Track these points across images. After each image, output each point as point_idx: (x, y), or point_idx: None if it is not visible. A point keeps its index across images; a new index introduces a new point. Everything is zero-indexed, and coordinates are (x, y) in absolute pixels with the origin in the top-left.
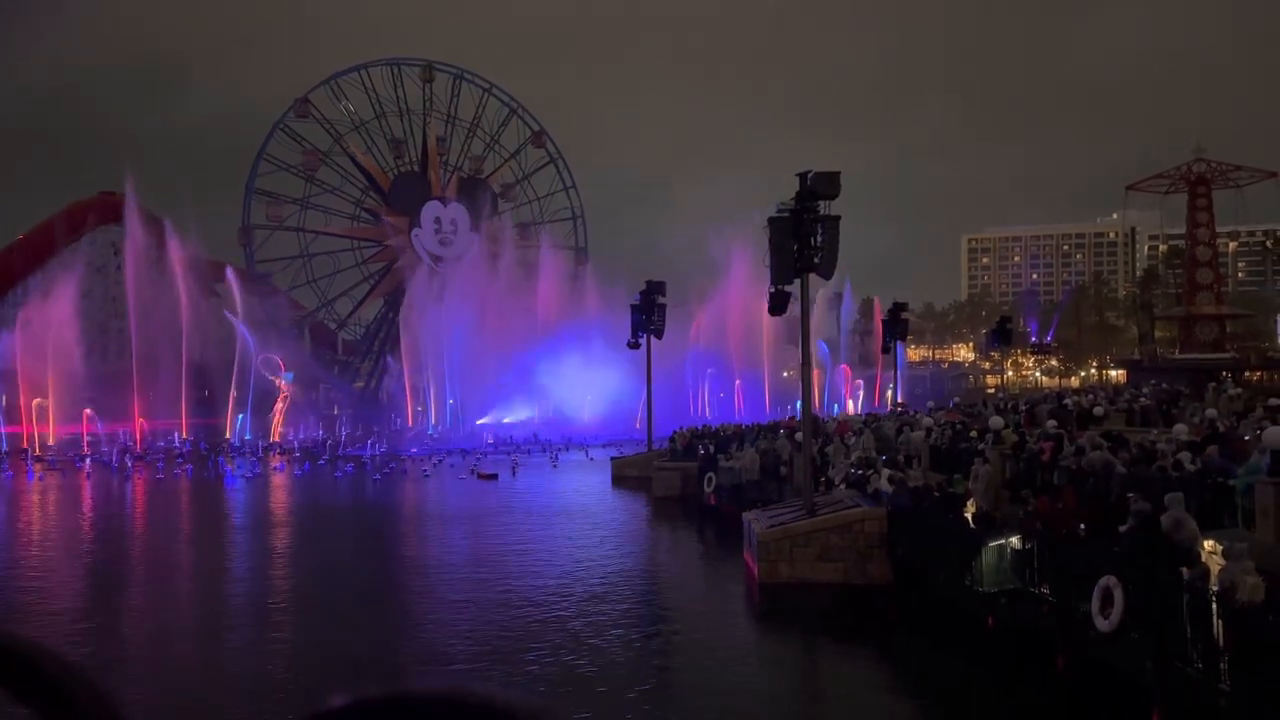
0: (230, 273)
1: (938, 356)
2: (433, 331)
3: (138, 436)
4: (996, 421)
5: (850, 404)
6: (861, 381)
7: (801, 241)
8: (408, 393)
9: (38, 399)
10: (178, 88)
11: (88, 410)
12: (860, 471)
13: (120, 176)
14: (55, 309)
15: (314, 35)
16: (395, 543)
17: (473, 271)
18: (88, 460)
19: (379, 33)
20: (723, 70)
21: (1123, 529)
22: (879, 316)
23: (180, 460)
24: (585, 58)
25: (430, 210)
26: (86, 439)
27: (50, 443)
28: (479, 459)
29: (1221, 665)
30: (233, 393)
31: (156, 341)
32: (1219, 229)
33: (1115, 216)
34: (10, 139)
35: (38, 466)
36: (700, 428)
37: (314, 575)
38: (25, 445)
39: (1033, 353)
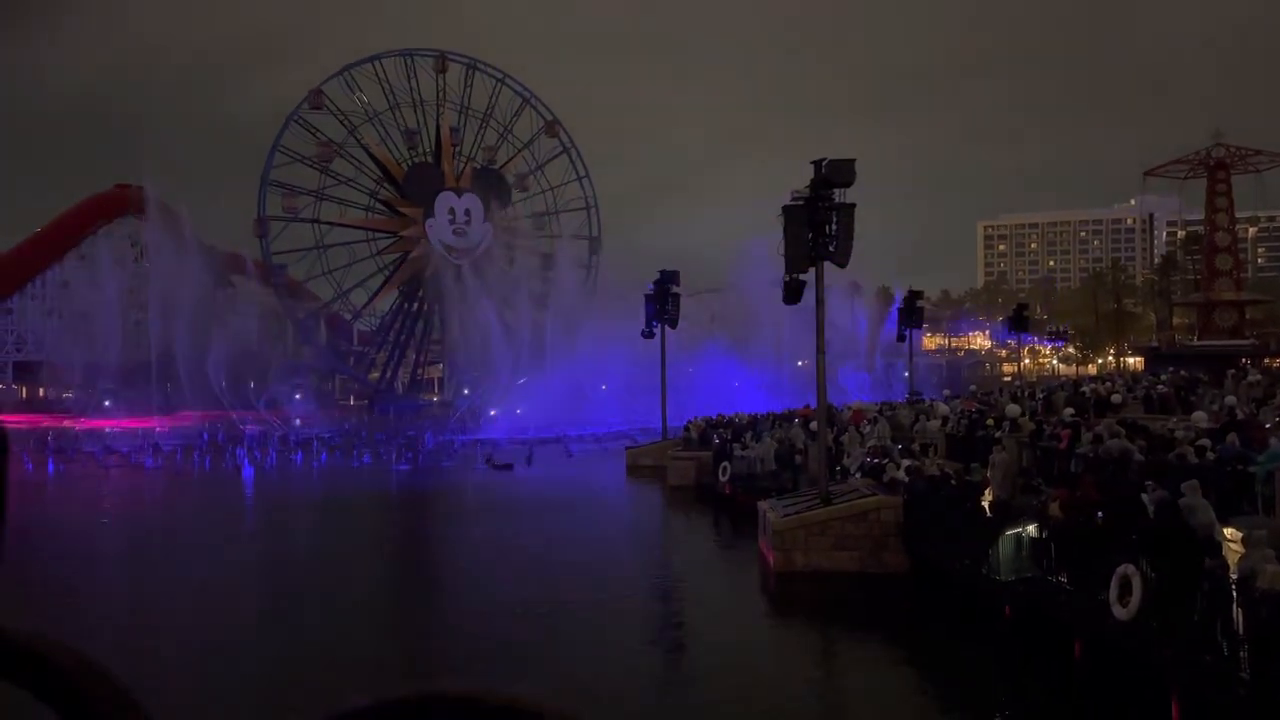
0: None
1: (953, 344)
2: (476, 332)
3: (154, 429)
4: (1013, 409)
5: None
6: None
7: (816, 230)
8: (437, 384)
9: (66, 392)
10: (226, 81)
11: (108, 402)
12: (875, 460)
13: (160, 169)
14: (74, 302)
15: (339, 28)
16: (415, 534)
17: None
18: (105, 452)
19: (392, 24)
20: (743, 62)
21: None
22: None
23: (199, 452)
24: (605, 48)
25: (444, 201)
26: (108, 431)
27: (68, 436)
28: (493, 449)
29: (1241, 654)
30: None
31: (176, 334)
32: (1238, 214)
33: (1133, 202)
34: (55, 130)
35: (58, 458)
36: (715, 417)
37: (330, 571)
38: (48, 439)
39: (1049, 338)
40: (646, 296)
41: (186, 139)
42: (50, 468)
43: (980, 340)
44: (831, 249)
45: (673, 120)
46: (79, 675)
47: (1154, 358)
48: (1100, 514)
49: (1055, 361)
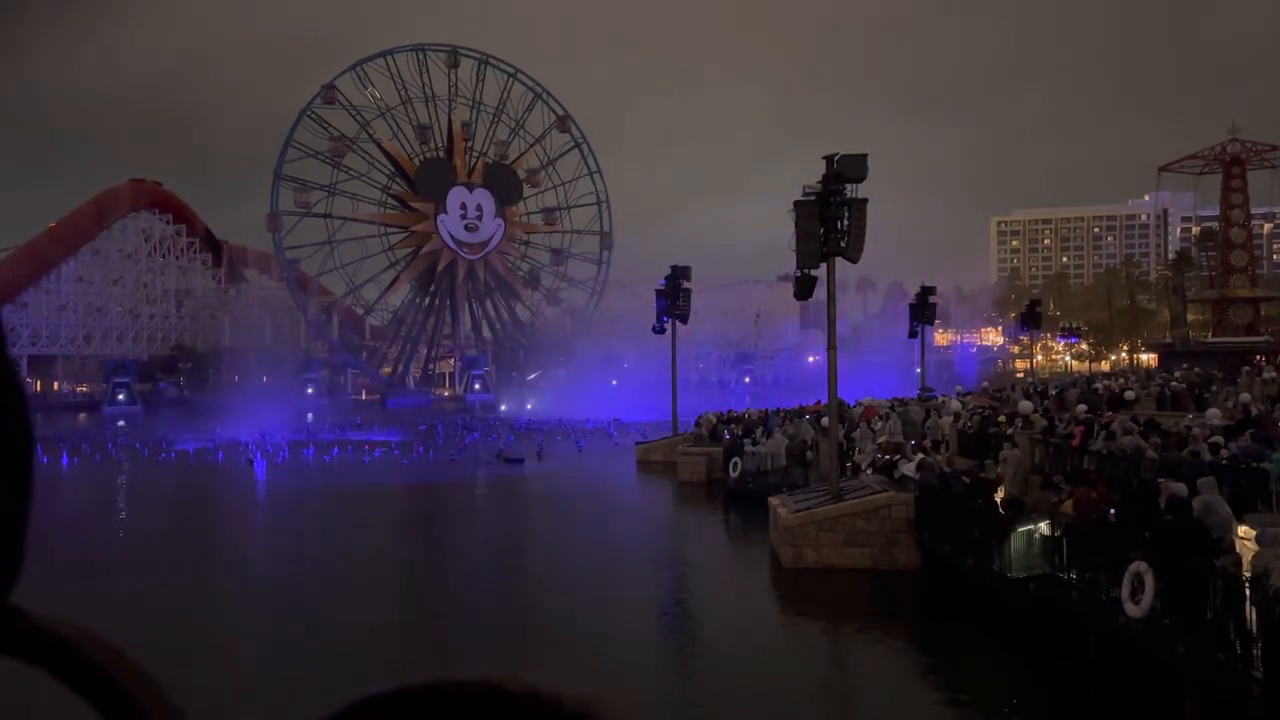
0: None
1: (966, 340)
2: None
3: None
4: (1025, 406)
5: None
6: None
7: (828, 225)
8: (448, 378)
9: (82, 385)
10: (237, 79)
11: (121, 395)
12: (887, 457)
13: (174, 164)
14: (88, 295)
15: (351, 24)
16: (425, 531)
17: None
18: (119, 446)
19: (404, 19)
20: (759, 60)
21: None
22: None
23: (212, 446)
24: (625, 41)
25: (456, 195)
26: (120, 425)
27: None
28: (504, 444)
29: (1254, 651)
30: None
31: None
32: (1253, 210)
33: (1147, 198)
34: (68, 126)
35: (71, 452)
36: (725, 413)
37: (343, 565)
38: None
39: (1061, 334)
40: (657, 291)
41: (199, 135)
42: (65, 461)
43: (993, 336)
44: (843, 244)
45: (693, 117)
46: (104, 661)
47: (1168, 354)
48: (1113, 511)
49: (1068, 358)
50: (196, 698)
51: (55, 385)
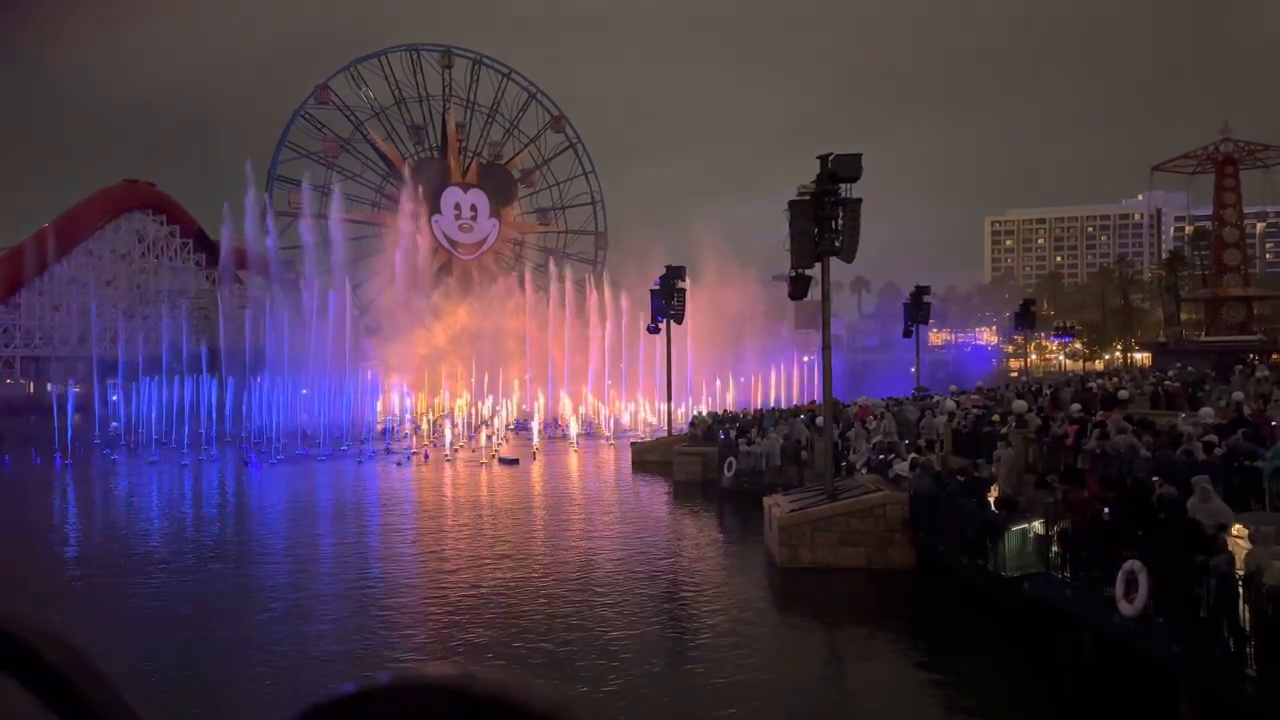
0: None
1: (960, 340)
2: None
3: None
4: (1020, 405)
5: None
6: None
7: (822, 225)
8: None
9: (77, 386)
10: (236, 77)
11: (115, 396)
12: (882, 456)
13: (169, 163)
14: (81, 296)
15: (346, 23)
16: (419, 528)
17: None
18: (114, 446)
19: (398, 19)
20: (750, 59)
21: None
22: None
23: (206, 447)
24: (621, 40)
25: (450, 196)
26: (114, 425)
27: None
28: (498, 445)
29: (1247, 649)
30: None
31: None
32: (1246, 209)
33: (1141, 198)
34: (64, 126)
35: (66, 454)
36: (721, 413)
37: (336, 565)
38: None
39: (1055, 334)
40: (652, 292)
41: (195, 135)
42: (58, 462)
43: (987, 336)
44: (837, 244)
45: (694, 117)
46: (60, 664)
47: (1161, 353)
48: (1106, 510)
49: (1062, 357)
50: (183, 704)
51: (48, 386)
